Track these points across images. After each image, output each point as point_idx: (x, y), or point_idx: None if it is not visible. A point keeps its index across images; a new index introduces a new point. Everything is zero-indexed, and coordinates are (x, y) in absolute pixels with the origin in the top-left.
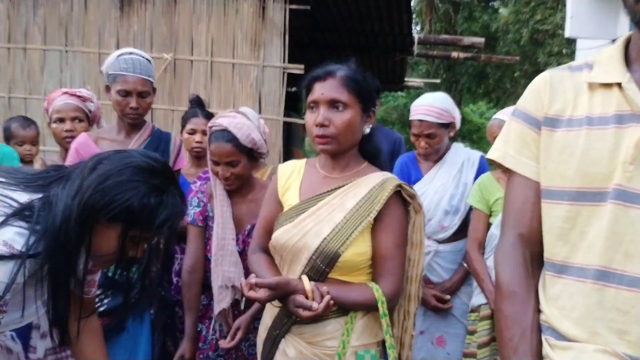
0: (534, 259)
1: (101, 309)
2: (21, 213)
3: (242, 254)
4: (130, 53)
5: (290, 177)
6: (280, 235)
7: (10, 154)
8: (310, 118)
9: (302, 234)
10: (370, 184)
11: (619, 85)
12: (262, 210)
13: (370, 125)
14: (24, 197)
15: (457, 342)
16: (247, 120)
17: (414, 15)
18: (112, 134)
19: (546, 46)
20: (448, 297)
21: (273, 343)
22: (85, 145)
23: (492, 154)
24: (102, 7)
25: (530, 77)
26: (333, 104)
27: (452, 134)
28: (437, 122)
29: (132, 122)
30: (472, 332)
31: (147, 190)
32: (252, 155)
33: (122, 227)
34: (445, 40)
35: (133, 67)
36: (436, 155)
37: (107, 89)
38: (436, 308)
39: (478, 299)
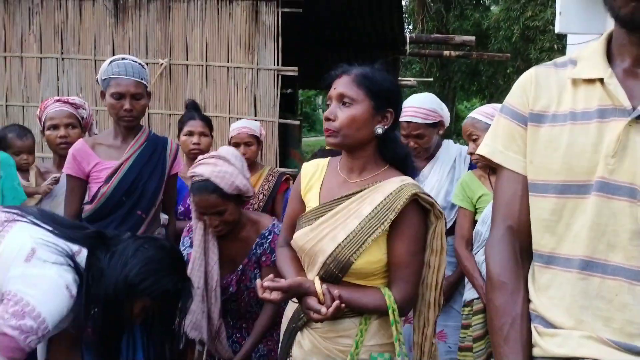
0: (524, 250)
1: None
2: (72, 261)
3: (238, 294)
4: (123, 58)
5: (312, 178)
6: (299, 237)
7: (6, 161)
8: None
9: (318, 238)
10: (388, 190)
11: (601, 80)
12: (287, 208)
13: (385, 127)
14: (69, 247)
15: (457, 334)
16: (229, 167)
17: (406, 15)
18: (108, 139)
19: (537, 42)
20: None
21: (290, 335)
22: (82, 151)
23: (481, 149)
24: (97, 15)
25: (522, 73)
26: (342, 99)
27: (441, 132)
28: (425, 123)
29: (127, 125)
30: (466, 327)
31: (178, 279)
32: (239, 199)
33: (151, 302)
34: (437, 39)
35: (125, 71)
36: (426, 154)
37: (102, 94)
38: None
39: (470, 293)
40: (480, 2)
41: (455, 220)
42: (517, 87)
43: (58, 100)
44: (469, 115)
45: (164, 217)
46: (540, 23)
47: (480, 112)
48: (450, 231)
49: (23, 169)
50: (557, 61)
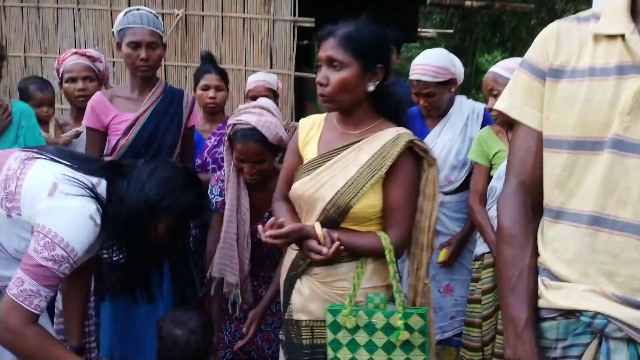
0: (535, 205)
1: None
2: (92, 193)
3: (260, 243)
4: (138, 9)
5: (310, 131)
6: (299, 186)
7: (27, 111)
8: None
9: (318, 186)
10: (384, 140)
11: (623, 36)
12: (284, 162)
13: (377, 82)
14: (88, 179)
15: (464, 287)
16: (273, 118)
17: None
18: (125, 92)
19: None
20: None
21: (290, 284)
22: (100, 103)
23: (499, 104)
24: None
25: (546, 24)
26: (331, 62)
27: (452, 89)
28: (435, 81)
29: (143, 75)
30: (476, 280)
31: (195, 194)
32: (277, 151)
33: (173, 220)
34: None
35: (140, 20)
36: (437, 112)
37: (119, 46)
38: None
39: (481, 248)
40: None
41: (468, 176)
42: (538, 42)
43: (75, 53)
44: (490, 70)
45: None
46: None
47: (502, 67)
48: (462, 188)
49: (43, 121)
50: (580, 15)
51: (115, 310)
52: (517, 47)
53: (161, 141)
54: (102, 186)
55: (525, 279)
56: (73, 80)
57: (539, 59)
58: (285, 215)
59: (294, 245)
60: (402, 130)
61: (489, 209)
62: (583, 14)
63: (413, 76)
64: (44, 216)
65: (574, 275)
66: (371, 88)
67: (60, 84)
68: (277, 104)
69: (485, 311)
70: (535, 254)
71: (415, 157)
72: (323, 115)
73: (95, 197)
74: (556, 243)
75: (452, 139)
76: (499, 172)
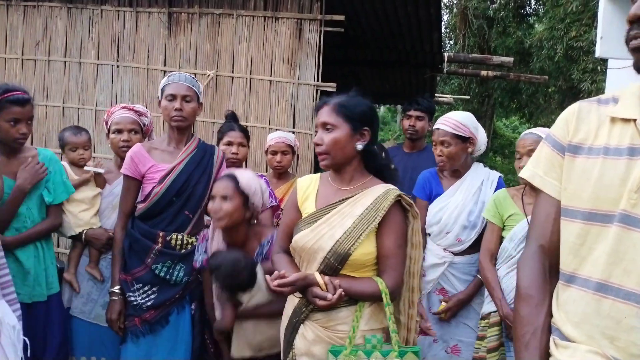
0: (552, 268)
1: (148, 303)
2: None
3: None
4: (178, 73)
5: (308, 189)
6: (300, 238)
7: (52, 157)
8: None
9: (317, 238)
10: (375, 194)
11: (635, 120)
12: (283, 217)
13: (364, 142)
14: None
15: (471, 350)
16: (255, 177)
17: (447, 30)
18: (163, 144)
19: (580, 63)
20: (433, 332)
21: (293, 329)
22: (139, 154)
23: (524, 173)
24: (152, 26)
25: (564, 93)
26: (325, 126)
27: (470, 149)
28: (452, 132)
29: (178, 125)
30: (481, 338)
31: None
32: (246, 203)
33: None
34: (474, 59)
35: (179, 78)
36: (450, 166)
37: (159, 103)
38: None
39: (488, 307)
40: (524, 19)
41: (478, 238)
42: (560, 119)
43: (124, 107)
44: (528, 131)
45: (207, 219)
46: (584, 44)
47: (540, 131)
48: (471, 250)
49: (80, 165)
50: (601, 98)
51: (137, 351)
52: (535, 113)
53: (192, 191)
54: None
55: (539, 337)
56: (119, 131)
57: (560, 135)
58: (287, 267)
59: (296, 294)
60: (389, 186)
61: (498, 268)
62: (604, 97)
63: (435, 125)
64: None
65: (581, 336)
66: (359, 147)
67: (108, 134)
68: (296, 161)
69: None
70: (550, 313)
71: (402, 210)
72: (317, 175)
73: None
74: (567, 305)
75: (465, 199)
76: (512, 234)
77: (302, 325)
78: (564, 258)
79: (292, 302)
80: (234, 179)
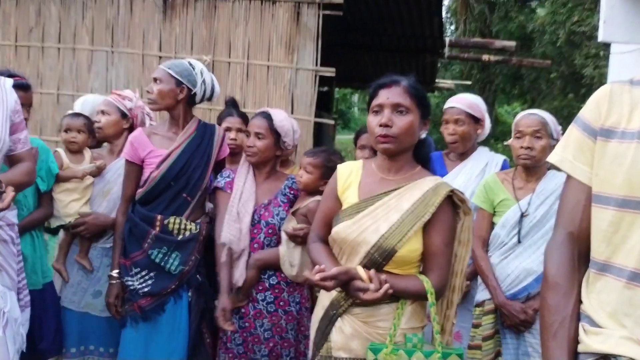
0: (581, 256)
1: (145, 289)
2: None
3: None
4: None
5: (349, 177)
6: (342, 230)
7: (41, 146)
8: (374, 120)
9: (361, 230)
10: (424, 188)
11: None
12: (321, 205)
13: (426, 132)
14: None
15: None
16: (287, 117)
17: (448, 15)
18: (163, 129)
19: (583, 48)
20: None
21: (330, 321)
22: (139, 138)
23: (552, 158)
24: (147, 11)
25: (566, 78)
26: (397, 107)
27: (479, 131)
28: (466, 111)
29: (151, 109)
30: (476, 326)
31: None
32: (278, 141)
33: None
34: (476, 44)
35: (167, 63)
36: (461, 147)
37: None
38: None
39: (482, 294)
40: (526, 4)
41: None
42: (591, 101)
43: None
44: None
45: (209, 206)
46: (587, 28)
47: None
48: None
49: (71, 149)
50: (633, 79)
51: (136, 336)
52: (537, 99)
53: (191, 174)
54: None
55: (567, 326)
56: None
57: (592, 118)
58: (326, 260)
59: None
60: (439, 179)
61: (491, 255)
62: (637, 77)
63: (449, 104)
64: None
65: (613, 324)
66: (423, 136)
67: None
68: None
69: (486, 357)
70: (578, 301)
71: (453, 206)
72: (360, 162)
73: None
74: (600, 295)
75: (468, 180)
76: (504, 220)
77: (339, 318)
78: (596, 246)
79: (329, 293)
80: (268, 117)
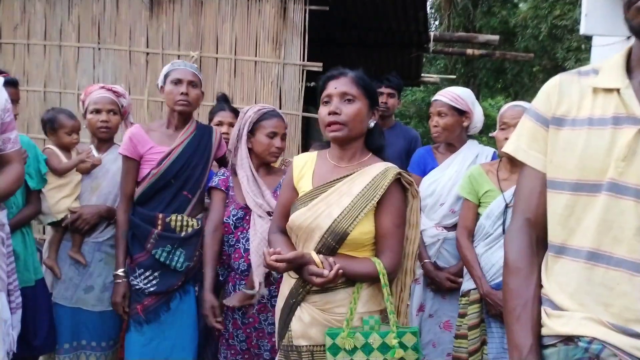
0: (539, 241)
1: (151, 289)
2: None
3: None
4: (183, 62)
5: (304, 167)
6: (297, 217)
7: (28, 143)
8: (324, 110)
9: (315, 216)
10: (374, 172)
11: (618, 90)
12: (279, 197)
13: (374, 121)
14: None
15: None
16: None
17: (432, 10)
18: (162, 127)
19: (565, 41)
20: (460, 279)
21: (290, 310)
22: (138, 134)
23: (507, 147)
24: (133, 8)
25: (548, 72)
26: (344, 96)
27: (465, 123)
28: (449, 104)
29: (182, 110)
30: (462, 315)
31: None
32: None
33: None
34: (460, 38)
35: (184, 65)
36: (444, 138)
37: (162, 89)
38: (451, 288)
39: (468, 284)
40: None
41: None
42: (542, 93)
43: (102, 87)
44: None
45: (207, 201)
46: (569, 22)
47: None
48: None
49: (70, 149)
50: (581, 70)
51: (141, 339)
52: (520, 92)
53: (191, 173)
54: None
55: (530, 309)
56: (97, 112)
57: (543, 108)
58: (283, 246)
59: (292, 274)
60: (389, 164)
61: (476, 246)
62: (584, 68)
63: (434, 97)
64: None
65: (574, 305)
66: (371, 124)
67: (85, 115)
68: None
69: (472, 346)
70: (539, 285)
71: (402, 188)
72: (315, 153)
73: None
74: (559, 277)
75: (458, 171)
76: (489, 211)
77: (298, 307)
78: (552, 230)
79: (289, 283)
80: (283, 119)
